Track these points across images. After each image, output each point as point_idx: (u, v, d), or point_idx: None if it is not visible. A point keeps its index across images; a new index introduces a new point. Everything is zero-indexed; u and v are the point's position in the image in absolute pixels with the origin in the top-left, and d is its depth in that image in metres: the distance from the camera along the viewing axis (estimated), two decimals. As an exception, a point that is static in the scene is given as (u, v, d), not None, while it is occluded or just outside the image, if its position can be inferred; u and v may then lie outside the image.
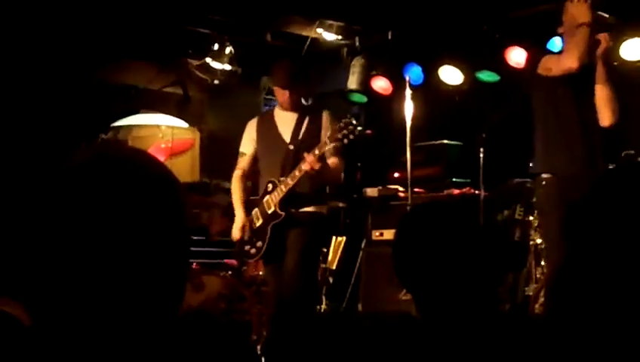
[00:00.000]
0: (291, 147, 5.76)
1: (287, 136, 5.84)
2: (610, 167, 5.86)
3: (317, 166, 5.53)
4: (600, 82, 5.31)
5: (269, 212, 5.78)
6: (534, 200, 5.93)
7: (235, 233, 5.96)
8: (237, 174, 6.07)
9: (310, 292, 5.88)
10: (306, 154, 5.58)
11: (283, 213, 5.72)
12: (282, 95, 5.86)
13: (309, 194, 5.76)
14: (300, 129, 5.80)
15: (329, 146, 5.62)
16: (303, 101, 6.00)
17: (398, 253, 2.38)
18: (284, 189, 5.69)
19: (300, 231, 5.71)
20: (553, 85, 5.34)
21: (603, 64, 5.30)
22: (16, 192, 1.25)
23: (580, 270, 1.54)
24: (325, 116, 5.84)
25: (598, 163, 5.29)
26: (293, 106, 5.87)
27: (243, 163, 6.07)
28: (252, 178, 6.19)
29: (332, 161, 5.78)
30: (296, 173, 5.63)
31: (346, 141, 5.60)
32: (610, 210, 1.57)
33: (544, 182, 5.37)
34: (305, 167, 5.56)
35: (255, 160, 6.04)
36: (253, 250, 5.86)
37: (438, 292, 2.28)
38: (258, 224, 5.85)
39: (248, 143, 6.06)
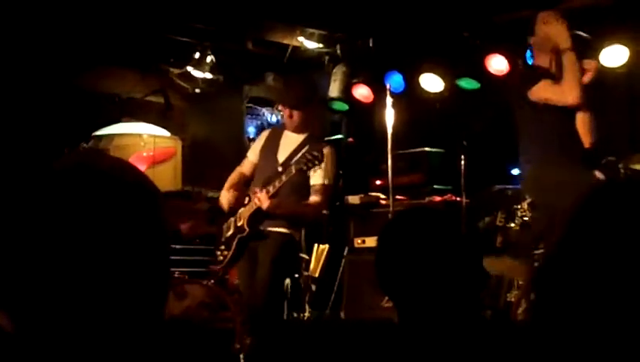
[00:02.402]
0: (280, 169, 5.72)
1: (282, 157, 5.83)
2: (595, 172, 5.91)
3: (265, 205, 5.56)
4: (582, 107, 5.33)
5: (239, 224, 5.82)
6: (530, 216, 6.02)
7: (222, 201, 6.05)
8: (235, 171, 6.16)
9: (277, 303, 5.93)
10: (257, 190, 5.64)
11: (247, 229, 5.75)
12: (285, 113, 5.86)
13: (284, 214, 5.75)
14: (297, 154, 5.71)
15: (291, 173, 5.57)
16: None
17: (380, 260, 2.38)
18: (253, 206, 5.71)
19: (269, 249, 5.71)
20: (546, 108, 5.37)
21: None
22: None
23: (565, 277, 1.55)
24: (326, 151, 5.65)
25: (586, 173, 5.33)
26: (296, 128, 5.84)
27: (243, 166, 6.16)
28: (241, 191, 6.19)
29: (313, 199, 5.75)
30: (252, 203, 5.71)
31: (305, 168, 5.51)
32: (598, 224, 1.58)
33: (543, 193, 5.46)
34: (256, 202, 5.63)
35: (255, 168, 6.08)
36: (221, 258, 5.94)
37: (421, 299, 2.29)
38: (229, 234, 5.89)
39: (252, 150, 6.15)
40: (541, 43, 5.38)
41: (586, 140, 5.36)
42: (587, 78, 5.35)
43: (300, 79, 6.00)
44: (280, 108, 6.07)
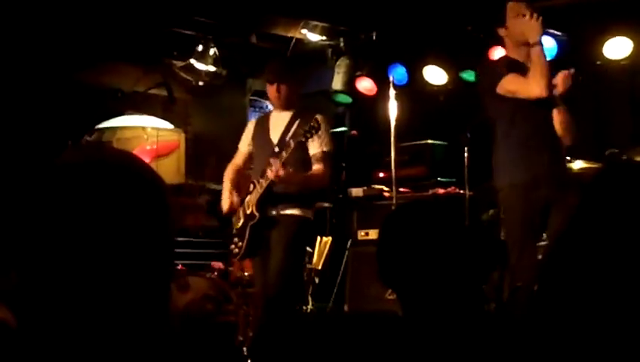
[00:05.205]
0: (277, 149, 5.72)
1: (275, 138, 5.82)
2: (594, 165, 5.89)
3: (281, 172, 5.48)
4: (556, 107, 5.28)
5: (248, 212, 5.81)
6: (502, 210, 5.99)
7: (223, 204, 6.01)
8: (229, 166, 6.15)
9: (293, 293, 5.88)
10: (272, 160, 5.56)
11: (257, 215, 5.73)
12: (272, 91, 5.86)
13: (294, 196, 5.73)
14: (289, 130, 5.73)
15: (292, 147, 5.54)
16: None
17: (381, 252, 2.38)
18: (259, 191, 5.70)
19: (283, 232, 5.67)
20: (514, 103, 5.32)
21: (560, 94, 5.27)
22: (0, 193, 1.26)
23: (567, 271, 1.54)
24: (319, 118, 5.65)
25: (560, 164, 5.32)
26: (284, 103, 5.83)
27: (236, 158, 6.14)
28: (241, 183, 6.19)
29: (317, 167, 5.75)
30: (263, 180, 5.66)
31: (303, 140, 5.52)
32: (603, 213, 1.57)
33: (506, 190, 5.39)
34: (270, 174, 5.56)
35: (250, 158, 6.07)
36: (236, 250, 5.91)
37: (423, 291, 2.28)
38: (240, 224, 5.88)
39: (244, 141, 6.12)
40: (514, 36, 5.36)
41: (566, 139, 5.32)
42: (560, 89, 5.28)
43: (278, 57, 6.00)
44: (267, 88, 6.03)
